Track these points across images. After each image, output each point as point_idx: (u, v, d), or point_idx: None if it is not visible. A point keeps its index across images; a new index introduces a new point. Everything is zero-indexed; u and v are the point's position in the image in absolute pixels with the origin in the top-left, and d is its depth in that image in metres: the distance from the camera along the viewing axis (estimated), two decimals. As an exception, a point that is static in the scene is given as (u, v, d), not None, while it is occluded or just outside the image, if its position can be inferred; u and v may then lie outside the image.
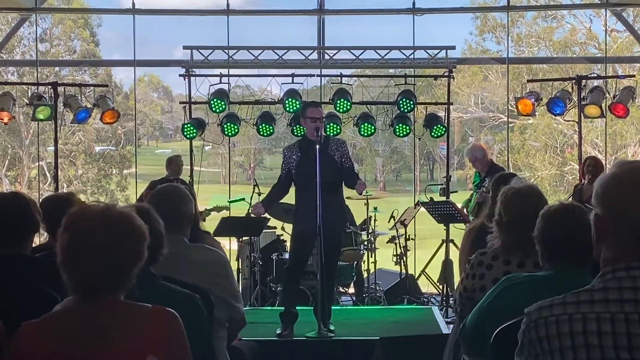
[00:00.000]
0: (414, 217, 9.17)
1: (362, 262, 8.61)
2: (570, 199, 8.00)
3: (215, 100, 9.25)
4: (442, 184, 9.44)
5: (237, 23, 11.78)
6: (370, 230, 8.58)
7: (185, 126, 9.39)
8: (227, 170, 23.63)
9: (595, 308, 1.79)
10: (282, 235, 9.01)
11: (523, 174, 22.49)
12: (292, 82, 9.52)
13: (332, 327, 6.46)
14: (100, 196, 25.44)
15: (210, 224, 7.36)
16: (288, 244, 7.92)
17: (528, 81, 10.53)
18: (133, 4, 11.75)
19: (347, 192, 6.72)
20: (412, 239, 9.13)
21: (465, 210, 8.47)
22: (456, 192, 10.12)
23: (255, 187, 8.75)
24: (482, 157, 8.48)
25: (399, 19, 12.09)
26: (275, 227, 9.29)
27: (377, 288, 8.65)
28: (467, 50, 25.90)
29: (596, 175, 7.47)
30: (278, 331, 6.43)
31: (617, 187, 1.84)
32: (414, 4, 11.38)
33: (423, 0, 11.48)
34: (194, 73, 9.76)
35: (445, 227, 8.40)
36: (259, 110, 9.75)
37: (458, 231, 7.88)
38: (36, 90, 9.83)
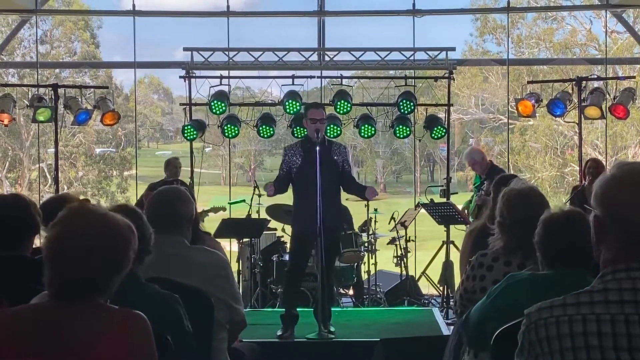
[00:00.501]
0: (415, 218, 9.17)
1: (363, 264, 8.60)
2: (570, 200, 8.00)
3: (215, 101, 9.26)
4: (442, 186, 9.42)
5: (238, 25, 11.79)
6: (370, 232, 8.58)
7: (186, 128, 9.39)
8: (227, 172, 23.62)
9: (595, 309, 1.79)
10: (282, 236, 9.01)
11: (523, 175, 22.46)
12: (293, 84, 9.51)
13: (332, 329, 6.46)
14: (100, 198, 25.46)
15: (208, 225, 7.33)
16: (288, 245, 7.91)
17: (528, 82, 10.48)
18: (133, 5, 11.76)
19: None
20: (412, 240, 9.15)
21: (466, 211, 8.48)
22: (457, 193, 10.08)
23: (256, 189, 8.74)
24: (480, 160, 8.48)
25: (399, 21, 12.04)
26: (275, 229, 9.29)
27: (378, 289, 8.66)
28: (468, 52, 25.96)
29: (597, 176, 7.44)
30: (279, 332, 6.44)
31: (617, 188, 1.83)
32: (414, 5, 11.37)
33: (423, 1, 11.48)
34: (194, 75, 9.75)
35: (445, 229, 8.39)
36: (259, 111, 9.75)
37: (458, 232, 7.87)
38: (36, 92, 9.82)
